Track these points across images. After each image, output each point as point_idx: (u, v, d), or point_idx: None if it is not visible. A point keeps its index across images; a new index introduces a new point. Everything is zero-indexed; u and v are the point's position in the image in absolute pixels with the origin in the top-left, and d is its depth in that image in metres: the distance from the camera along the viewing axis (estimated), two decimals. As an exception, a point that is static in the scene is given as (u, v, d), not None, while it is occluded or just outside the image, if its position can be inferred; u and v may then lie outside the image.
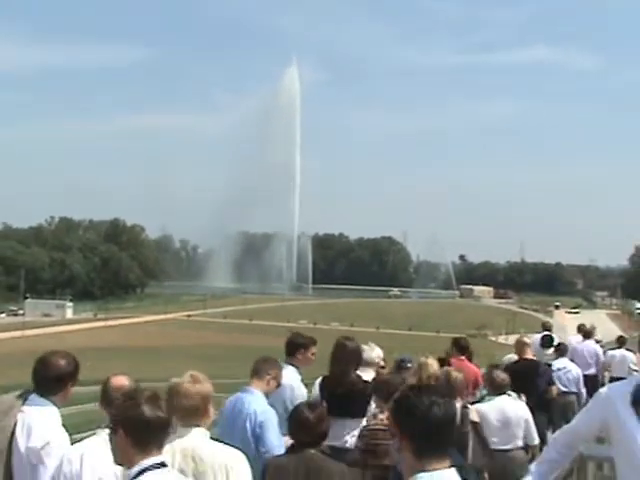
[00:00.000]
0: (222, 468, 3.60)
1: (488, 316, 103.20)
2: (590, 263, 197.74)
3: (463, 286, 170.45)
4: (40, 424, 3.90)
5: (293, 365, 6.03)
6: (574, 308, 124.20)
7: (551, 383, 9.28)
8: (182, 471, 3.50)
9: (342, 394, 5.70)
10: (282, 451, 4.56)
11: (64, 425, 4.00)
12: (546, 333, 12.09)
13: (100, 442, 3.65)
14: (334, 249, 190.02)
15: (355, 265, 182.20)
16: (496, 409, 6.80)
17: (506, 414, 6.79)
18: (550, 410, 9.07)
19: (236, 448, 3.77)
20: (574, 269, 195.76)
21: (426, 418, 2.47)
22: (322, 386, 5.98)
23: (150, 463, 2.84)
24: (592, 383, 11.13)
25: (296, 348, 6.12)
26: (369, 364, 6.69)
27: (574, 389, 10.76)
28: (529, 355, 9.24)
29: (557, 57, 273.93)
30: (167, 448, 3.32)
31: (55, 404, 4.02)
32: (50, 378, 4.00)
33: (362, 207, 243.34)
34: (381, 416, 5.36)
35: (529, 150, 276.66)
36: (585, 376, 11.21)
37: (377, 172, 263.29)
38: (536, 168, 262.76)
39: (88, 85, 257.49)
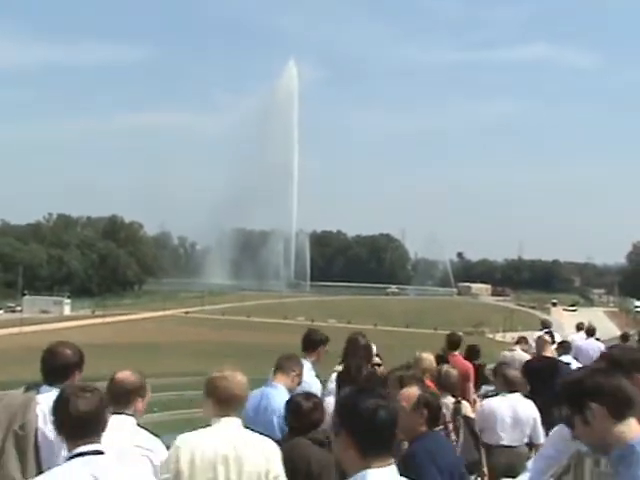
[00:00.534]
0: (261, 456, 3.79)
1: (486, 313, 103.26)
2: (587, 261, 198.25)
3: (461, 284, 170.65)
4: None
5: (308, 360, 6.08)
6: (571, 306, 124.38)
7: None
8: (225, 457, 3.73)
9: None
10: None
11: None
12: (546, 330, 12.18)
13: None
14: (332, 246, 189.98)
15: (353, 262, 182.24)
16: (508, 406, 6.83)
17: (517, 412, 6.82)
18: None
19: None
20: (572, 267, 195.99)
21: (371, 420, 2.59)
22: (338, 381, 6.14)
23: (85, 450, 3.04)
24: None
25: (315, 344, 6.24)
26: None
27: None
28: (549, 353, 9.26)
29: (557, 56, 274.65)
30: (207, 434, 3.80)
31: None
32: (58, 367, 4.22)
33: (360, 205, 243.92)
34: None
35: (527, 149, 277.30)
36: None
37: (375, 170, 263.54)
38: (534, 167, 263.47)
39: (88, 84, 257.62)
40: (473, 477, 5.91)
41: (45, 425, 4.00)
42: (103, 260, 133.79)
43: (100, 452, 3.12)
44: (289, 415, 4.53)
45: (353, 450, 2.63)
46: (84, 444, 3.09)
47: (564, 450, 4.02)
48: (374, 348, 7.15)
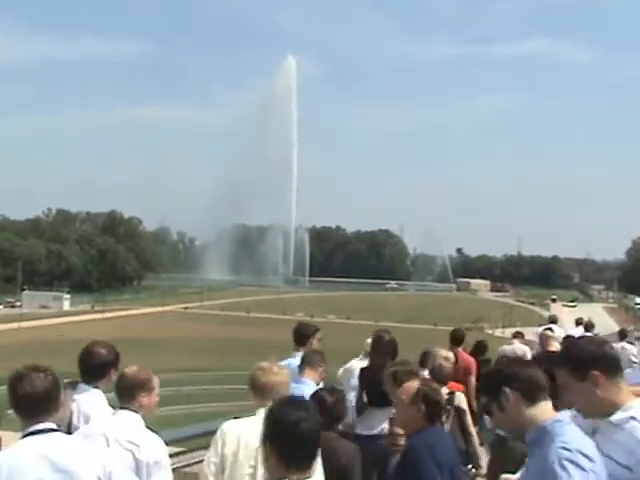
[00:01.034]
0: None
1: (485, 309, 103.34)
2: (587, 257, 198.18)
3: (460, 279, 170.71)
4: (93, 410, 4.37)
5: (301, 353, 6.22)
6: (571, 302, 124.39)
7: None
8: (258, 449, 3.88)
9: (380, 384, 5.86)
10: None
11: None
12: (546, 326, 12.52)
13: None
14: (331, 242, 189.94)
15: (352, 258, 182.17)
16: None
17: None
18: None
19: None
20: (571, 263, 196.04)
21: (293, 432, 2.68)
22: (361, 377, 6.27)
23: (36, 428, 3.18)
24: None
25: (305, 337, 6.39)
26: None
27: None
28: (553, 348, 9.35)
29: (556, 51, 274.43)
30: (251, 422, 4.03)
31: (100, 389, 4.52)
32: (94, 366, 4.50)
33: (360, 200, 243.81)
34: None
35: (526, 145, 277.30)
36: None
37: (374, 166, 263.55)
38: (533, 163, 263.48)
39: (88, 79, 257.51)
40: (469, 467, 6.03)
41: (79, 422, 4.30)
42: (102, 255, 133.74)
43: (53, 430, 3.22)
44: None
45: (275, 459, 2.71)
46: (37, 423, 3.19)
47: None
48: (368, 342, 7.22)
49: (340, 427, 4.89)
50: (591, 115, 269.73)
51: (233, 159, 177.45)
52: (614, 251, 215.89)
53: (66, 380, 4.24)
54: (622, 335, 14.44)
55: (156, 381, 4.21)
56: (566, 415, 2.95)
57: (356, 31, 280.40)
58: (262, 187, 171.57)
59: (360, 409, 6.29)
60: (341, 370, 7.36)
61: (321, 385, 5.60)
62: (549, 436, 2.82)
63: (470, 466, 6.04)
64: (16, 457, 3.17)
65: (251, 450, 3.97)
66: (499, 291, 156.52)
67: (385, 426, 5.94)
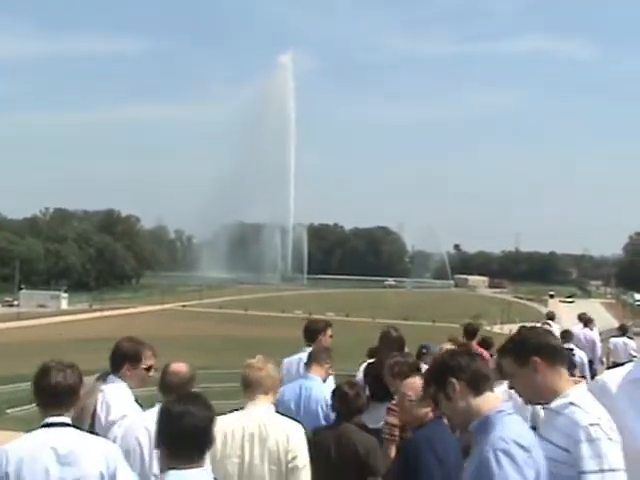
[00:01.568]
0: (283, 434, 4.20)
1: (483, 306, 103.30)
2: (584, 252, 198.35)
3: (458, 276, 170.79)
4: (117, 400, 4.57)
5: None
6: (569, 297, 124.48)
7: (573, 367, 9.90)
8: (251, 434, 4.21)
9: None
10: None
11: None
12: (544, 322, 12.92)
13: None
14: (329, 239, 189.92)
15: (350, 255, 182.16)
16: (504, 392, 6.99)
17: (516, 399, 6.95)
18: None
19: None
20: (569, 258, 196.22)
21: (177, 425, 2.85)
22: (366, 372, 6.37)
23: (52, 421, 3.41)
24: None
25: (315, 333, 6.56)
26: None
27: (578, 373, 11.32)
28: None
29: (556, 47, 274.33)
30: (239, 415, 4.31)
31: (128, 382, 4.69)
32: (111, 358, 4.74)
33: (358, 197, 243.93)
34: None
35: (525, 142, 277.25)
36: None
37: (373, 163, 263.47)
38: (531, 159, 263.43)
39: (83, 76, 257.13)
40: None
41: (102, 411, 4.52)
42: (100, 254, 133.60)
43: (66, 424, 3.44)
44: (337, 402, 4.91)
45: (162, 450, 2.89)
46: (56, 415, 3.42)
47: None
48: None
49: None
50: (589, 111, 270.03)
51: (231, 156, 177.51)
52: (612, 247, 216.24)
53: (99, 373, 4.74)
54: (623, 330, 14.67)
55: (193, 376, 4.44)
56: (509, 406, 3.05)
57: (355, 27, 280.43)
58: (260, 184, 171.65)
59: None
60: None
61: (331, 381, 5.81)
62: (490, 426, 2.91)
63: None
64: (26, 447, 3.38)
65: (237, 442, 4.19)
66: (497, 287, 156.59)
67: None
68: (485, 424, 2.93)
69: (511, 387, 3.57)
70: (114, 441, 4.07)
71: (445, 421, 4.12)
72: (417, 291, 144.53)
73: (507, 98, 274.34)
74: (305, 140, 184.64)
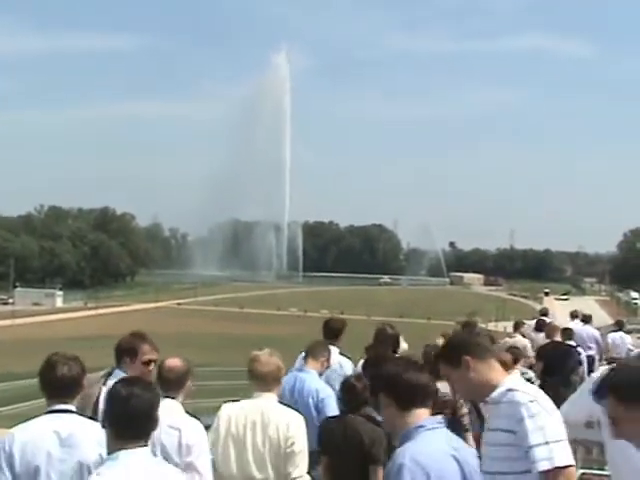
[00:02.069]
0: (283, 423, 4.54)
1: (478, 303, 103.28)
2: (579, 250, 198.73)
3: (453, 273, 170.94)
4: None
5: (336, 346, 6.79)
6: (563, 295, 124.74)
7: (580, 363, 10.06)
8: (253, 422, 4.56)
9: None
10: None
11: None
12: (540, 318, 13.23)
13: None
14: (324, 237, 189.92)
15: (346, 253, 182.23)
16: None
17: None
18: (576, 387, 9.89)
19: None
20: (563, 256, 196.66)
21: (123, 407, 3.00)
22: (364, 367, 6.51)
23: (57, 407, 3.65)
24: (590, 363, 12.10)
25: (339, 331, 6.96)
26: None
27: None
28: (558, 338, 10.10)
29: (555, 46, 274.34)
30: (243, 404, 4.68)
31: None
32: (115, 354, 4.83)
33: (353, 195, 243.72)
34: None
35: (521, 140, 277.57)
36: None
37: (368, 160, 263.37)
38: (526, 157, 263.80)
39: (77, 73, 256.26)
40: None
41: (102, 400, 4.48)
42: (95, 252, 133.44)
43: (70, 411, 3.68)
44: (345, 394, 5.17)
45: (110, 431, 3.04)
46: (59, 403, 3.67)
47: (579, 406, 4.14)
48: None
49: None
50: (588, 110, 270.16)
51: (226, 154, 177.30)
52: (606, 244, 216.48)
53: (102, 372, 4.84)
54: (619, 325, 14.98)
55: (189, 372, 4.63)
56: (435, 420, 3.13)
57: (351, 24, 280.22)
58: (255, 182, 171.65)
59: None
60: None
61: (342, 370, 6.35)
62: (405, 441, 3.04)
63: None
64: (31, 431, 3.65)
65: (240, 429, 4.55)
66: (492, 285, 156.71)
67: None
68: (403, 439, 3.06)
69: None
70: None
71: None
72: (412, 289, 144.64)
73: (506, 96, 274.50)
74: (301, 137, 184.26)
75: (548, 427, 3.07)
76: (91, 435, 3.63)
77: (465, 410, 6.09)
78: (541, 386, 7.53)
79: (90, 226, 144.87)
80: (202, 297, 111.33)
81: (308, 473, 4.61)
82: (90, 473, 3.40)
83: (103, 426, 3.13)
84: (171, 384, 4.43)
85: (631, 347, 13.37)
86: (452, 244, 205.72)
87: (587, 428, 4.72)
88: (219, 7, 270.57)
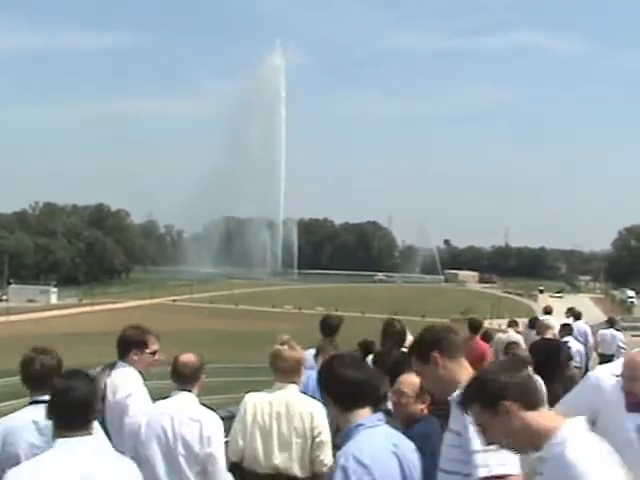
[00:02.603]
0: (307, 414, 4.79)
1: (473, 300, 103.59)
2: (574, 248, 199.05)
3: (448, 271, 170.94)
4: (123, 381, 4.97)
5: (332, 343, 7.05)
6: (557, 292, 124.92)
7: (570, 359, 10.32)
8: (278, 414, 4.82)
9: (387, 368, 6.17)
10: None
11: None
12: (534, 316, 14.18)
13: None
14: (319, 234, 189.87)
15: (340, 250, 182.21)
16: None
17: None
18: (567, 382, 10.06)
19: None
20: (558, 254, 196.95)
21: (62, 398, 3.15)
22: (373, 363, 6.52)
23: (41, 399, 3.79)
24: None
25: (336, 328, 7.23)
26: None
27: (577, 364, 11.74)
28: (549, 335, 10.31)
29: (548, 42, 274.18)
30: (266, 395, 4.95)
31: (135, 367, 5.08)
32: (119, 345, 5.14)
33: (348, 192, 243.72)
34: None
35: (515, 137, 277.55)
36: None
37: (363, 158, 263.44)
38: (521, 154, 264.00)
39: (71, 69, 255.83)
40: None
41: (110, 392, 4.91)
42: (90, 248, 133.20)
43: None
44: None
45: (53, 421, 3.19)
46: (41, 395, 3.81)
47: (582, 399, 4.17)
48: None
49: None
50: (583, 107, 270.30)
51: (221, 151, 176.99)
52: (601, 242, 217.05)
53: (101, 366, 5.11)
54: (611, 323, 15.09)
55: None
56: (374, 419, 3.15)
57: (345, 21, 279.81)
58: (250, 179, 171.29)
59: None
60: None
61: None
62: (346, 439, 3.09)
63: None
64: (13, 421, 3.96)
65: (266, 418, 4.80)
66: (487, 282, 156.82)
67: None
68: (344, 439, 3.11)
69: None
70: (139, 429, 4.61)
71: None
72: (407, 286, 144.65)
73: (495, 94, 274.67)
74: (297, 135, 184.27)
75: None
76: None
77: None
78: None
79: (85, 223, 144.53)
80: (197, 294, 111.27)
81: None
82: None
83: (48, 417, 3.26)
84: (187, 378, 4.68)
85: (622, 344, 13.50)
86: (447, 242, 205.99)
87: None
88: (217, 4, 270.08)
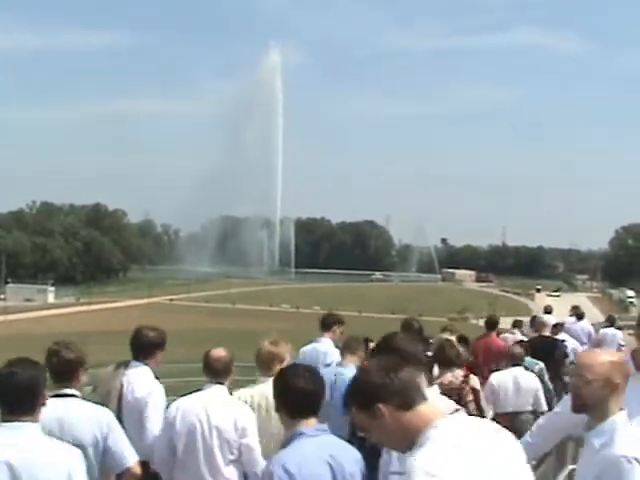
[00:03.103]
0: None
1: (470, 299, 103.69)
2: (571, 247, 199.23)
3: (445, 270, 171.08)
4: (141, 380, 5.12)
5: (327, 337, 7.33)
6: (555, 291, 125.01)
7: (566, 356, 10.51)
8: (259, 406, 4.95)
9: None
10: None
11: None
12: (533, 315, 14.42)
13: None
14: (316, 233, 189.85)
15: (338, 249, 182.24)
16: (511, 377, 7.93)
17: (519, 383, 7.90)
18: (563, 378, 10.21)
19: None
20: (555, 252, 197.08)
21: (4, 385, 3.27)
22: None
23: (66, 392, 4.11)
24: None
25: (332, 324, 7.41)
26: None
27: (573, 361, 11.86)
28: (546, 333, 10.72)
29: (548, 41, 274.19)
30: (249, 390, 5.13)
31: (149, 366, 5.23)
32: (140, 346, 5.23)
33: (345, 191, 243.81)
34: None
35: (512, 137, 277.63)
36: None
37: (361, 158, 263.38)
38: (519, 154, 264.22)
39: (70, 69, 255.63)
40: None
41: (128, 391, 5.06)
42: (87, 248, 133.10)
43: (72, 395, 4.15)
44: None
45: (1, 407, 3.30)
46: (60, 388, 4.11)
47: (551, 439, 4.19)
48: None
49: None
50: (582, 107, 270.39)
51: (218, 150, 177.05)
52: (598, 241, 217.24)
53: (113, 365, 5.26)
54: (611, 321, 15.15)
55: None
56: (317, 428, 3.21)
57: (345, 21, 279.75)
58: (247, 178, 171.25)
59: None
60: None
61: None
62: (285, 446, 3.15)
63: None
64: None
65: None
66: (484, 281, 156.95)
67: None
68: (286, 443, 3.17)
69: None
70: (174, 422, 4.77)
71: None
72: (404, 285, 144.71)
73: (493, 94, 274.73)
74: (292, 134, 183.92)
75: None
76: (87, 416, 4.09)
77: (471, 397, 6.33)
78: None
79: (82, 222, 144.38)
80: (195, 293, 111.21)
81: None
82: (85, 452, 3.73)
83: None
84: (220, 372, 4.90)
85: (622, 342, 13.57)
86: (444, 241, 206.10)
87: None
88: (217, 4, 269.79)
